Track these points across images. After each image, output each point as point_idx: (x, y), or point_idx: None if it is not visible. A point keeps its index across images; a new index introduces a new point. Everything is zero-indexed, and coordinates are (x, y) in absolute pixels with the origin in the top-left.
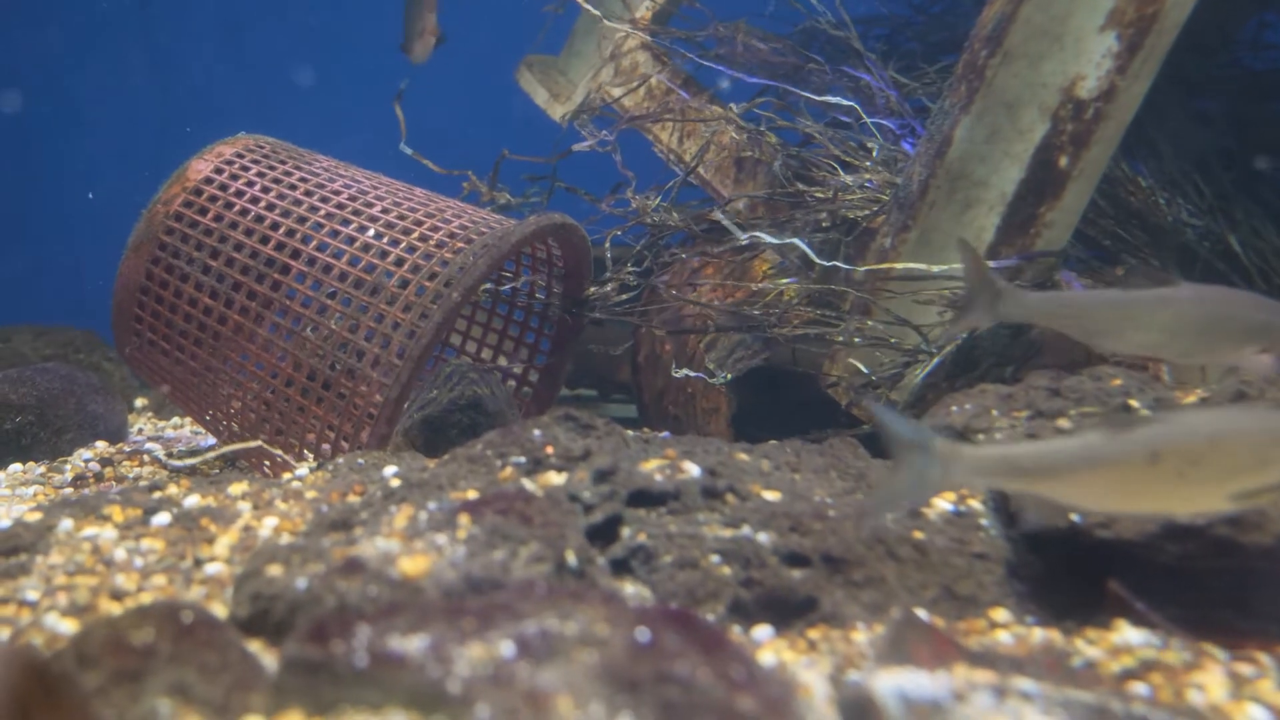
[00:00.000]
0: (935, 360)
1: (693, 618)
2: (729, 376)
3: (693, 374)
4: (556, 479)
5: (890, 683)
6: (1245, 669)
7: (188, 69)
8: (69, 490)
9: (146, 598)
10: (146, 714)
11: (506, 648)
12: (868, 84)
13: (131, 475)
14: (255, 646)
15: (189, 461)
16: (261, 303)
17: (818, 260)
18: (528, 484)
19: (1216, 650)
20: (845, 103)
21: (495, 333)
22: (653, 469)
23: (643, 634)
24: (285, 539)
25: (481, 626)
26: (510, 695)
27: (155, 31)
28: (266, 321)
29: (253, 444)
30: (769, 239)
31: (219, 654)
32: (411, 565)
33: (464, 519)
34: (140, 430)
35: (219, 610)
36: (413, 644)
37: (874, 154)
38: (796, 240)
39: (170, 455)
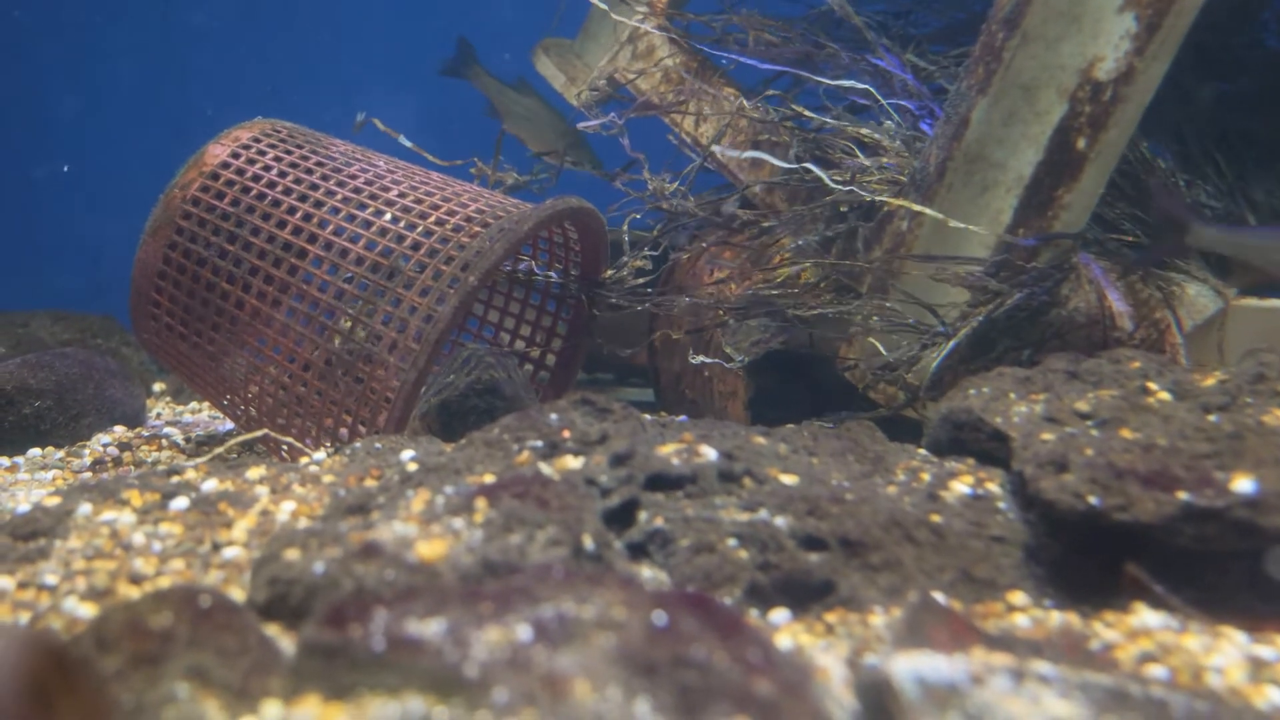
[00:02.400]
0: (951, 343)
1: (709, 601)
2: (746, 360)
3: (709, 360)
4: (573, 463)
5: (907, 666)
6: (1265, 651)
7: (206, 52)
8: (87, 475)
9: (165, 582)
10: (165, 697)
11: (524, 631)
12: (885, 69)
13: (150, 460)
14: (273, 630)
15: (231, 443)
16: (278, 287)
17: (831, 183)
18: (544, 468)
19: (1235, 633)
20: (860, 86)
21: (513, 317)
22: (669, 453)
23: (659, 618)
24: (303, 523)
25: (499, 610)
26: (528, 679)
27: (174, 14)
28: (283, 306)
29: (260, 433)
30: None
31: (237, 638)
32: (428, 549)
33: (481, 503)
34: (159, 415)
35: (237, 594)
36: (430, 628)
37: (891, 136)
38: (810, 165)
39: (188, 439)
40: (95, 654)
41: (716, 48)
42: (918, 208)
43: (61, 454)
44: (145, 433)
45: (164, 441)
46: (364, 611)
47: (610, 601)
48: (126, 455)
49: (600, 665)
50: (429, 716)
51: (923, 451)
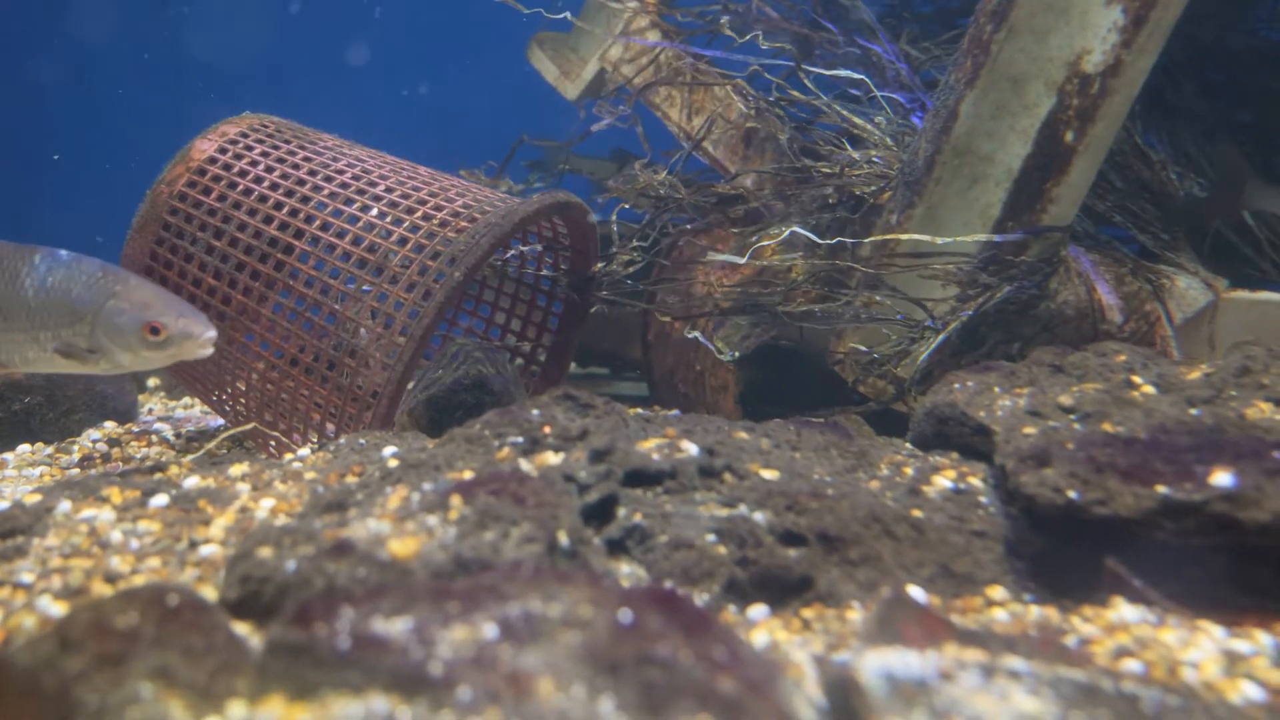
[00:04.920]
0: (940, 337)
1: (677, 599)
2: (737, 354)
3: (703, 339)
4: (553, 459)
5: (876, 662)
6: (1241, 645)
7: (201, 46)
8: (76, 471)
9: (140, 580)
10: (128, 698)
11: (490, 630)
12: (879, 55)
13: (139, 456)
14: (245, 629)
15: (219, 439)
16: (265, 283)
17: (820, 242)
18: (524, 464)
19: (1213, 627)
20: (856, 76)
21: (503, 311)
22: (650, 448)
23: (626, 615)
24: (281, 520)
25: (466, 608)
26: (492, 677)
27: (170, 9)
28: (270, 302)
29: (248, 427)
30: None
31: (204, 637)
32: (401, 547)
33: (456, 500)
34: (151, 410)
35: (210, 593)
36: (396, 626)
37: (882, 128)
38: (797, 228)
39: (178, 435)
40: (59, 655)
41: (709, 41)
42: (905, 238)
43: (51, 450)
44: (136, 429)
45: (154, 437)
46: (331, 610)
47: (577, 600)
48: (116, 451)
49: (565, 663)
50: (393, 715)
51: (908, 446)
